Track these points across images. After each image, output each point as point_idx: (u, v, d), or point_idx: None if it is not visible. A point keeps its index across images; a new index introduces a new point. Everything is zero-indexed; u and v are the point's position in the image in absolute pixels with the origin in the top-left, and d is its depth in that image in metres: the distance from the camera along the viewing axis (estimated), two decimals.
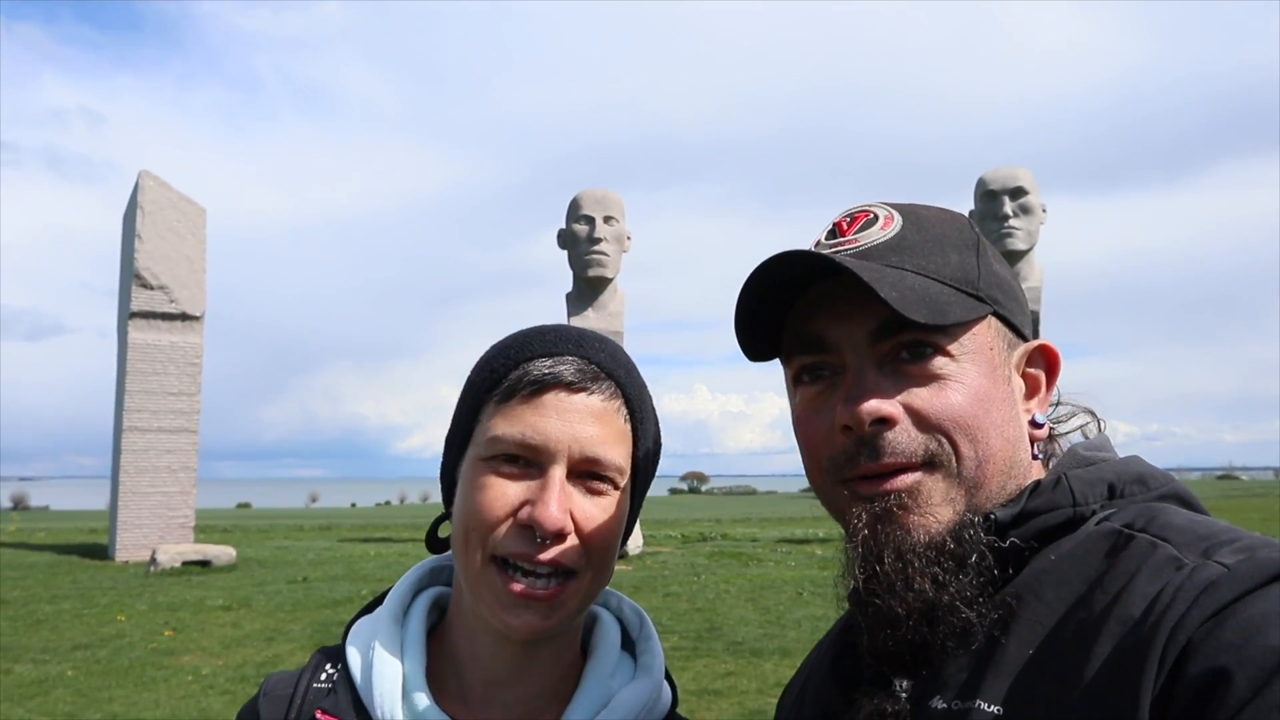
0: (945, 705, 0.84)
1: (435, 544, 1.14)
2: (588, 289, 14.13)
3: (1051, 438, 1.00)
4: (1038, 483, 0.92)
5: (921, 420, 0.89)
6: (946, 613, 0.85)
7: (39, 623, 9.75)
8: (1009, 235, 12.89)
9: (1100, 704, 0.74)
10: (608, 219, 13.88)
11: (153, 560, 13.55)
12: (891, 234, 0.94)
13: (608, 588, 1.16)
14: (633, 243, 14.40)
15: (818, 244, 0.99)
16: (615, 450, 1.01)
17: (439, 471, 1.11)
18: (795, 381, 0.98)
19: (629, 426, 1.04)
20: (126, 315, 15.63)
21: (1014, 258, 12.93)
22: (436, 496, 1.12)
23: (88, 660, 8.21)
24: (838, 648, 1.03)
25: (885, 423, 0.89)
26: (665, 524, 24.57)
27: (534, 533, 0.97)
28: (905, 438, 0.89)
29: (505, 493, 0.98)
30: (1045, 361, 1.00)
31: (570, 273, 14.33)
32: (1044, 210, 13.29)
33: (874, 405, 0.88)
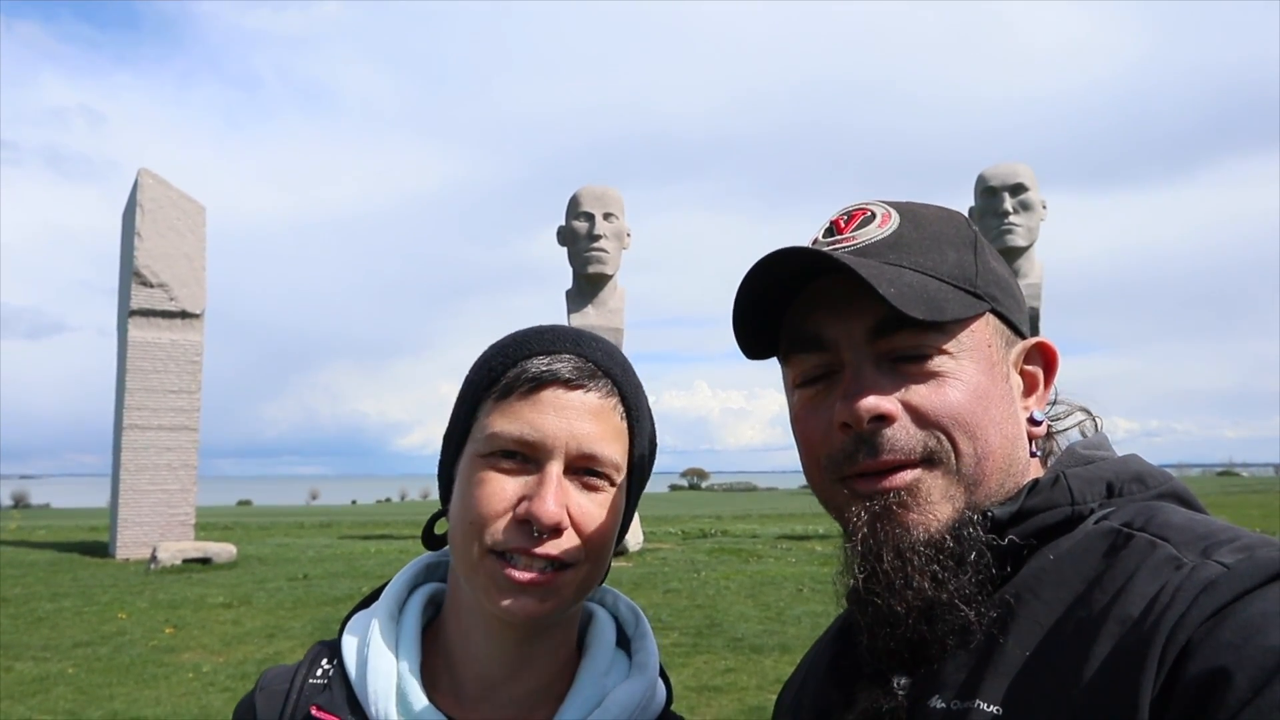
0: (944, 705, 0.84)
1: (431, 541, 1.14)
2: (587, 286, 14.12)
3: (1050, 435, 1.00)
4: (1036, 481, 0.91)
5: (920, 417, 0.89)
6: (945, 611, 0.85)
7: (40, 620, 9.76)
8: (1009, 232, 12.88)
9: (1100, 704, 0.74)
10: (607, 216, 13.87)
11: (153, 558, 13.56)
12: (889, 232, 0.94)
13: (605, 585, 1.17)
14: (632, 239, 14.39)
15: (815, 242, 0.98)
16: (612, 447, 1.02)
17: (437, 469, 1.11)
18: (793, 379, 0.98)
19: (625, 424, 1.05)
20: (126, 313, 15.63)
21: (1014, 254, 12.92)
22: (437, 494, 1.13)
23: (88, 658, 8.21)
24: (837, 645, 1.03)
25: (884, 420, 0.89)
26: (665, 520, 24.59)
27: (531, 527, 0.97)
28: (904, 435, 0.89)
29: (503, 488, 0.99)
30: (1043, 359, 1.00)
31: (570, 269, 14.32)
32: (1044, 207, 13.28)
33: (872, 402, 0.88)
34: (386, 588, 1.13)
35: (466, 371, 1.09)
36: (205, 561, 13.76)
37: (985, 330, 0.93)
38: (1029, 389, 0.98)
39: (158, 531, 15.23)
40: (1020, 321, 0.98)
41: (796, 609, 9.98)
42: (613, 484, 1.04)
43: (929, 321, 0.87)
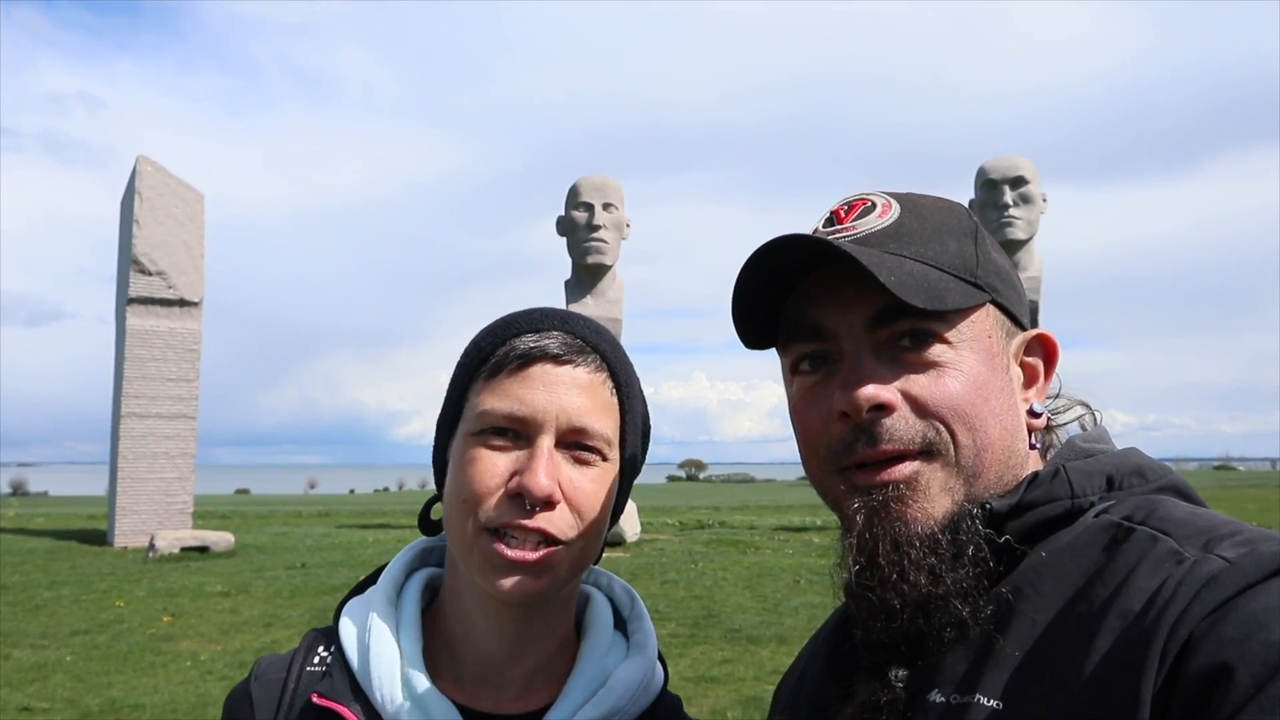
0: (944, 699, 0.83)
1: (428, 526, 1.15)
2: (587, 276, 14.11)
3: (1049, 428, 1.00)
4: (1035, 474, 0.91)
5: (920, 407, 0.88)
6: (942, 605, 0.85)
7: (38, 608, 9.78)
8: (1009, 224, 12.87)
9: (1101, 699, 0.74)
10: (607, 206, 13.86)
11: (151, 546, 13.58)
12: (889, 221, 0.94)
13: (598, 568, 1.16)
14: (632, 230, 14.38)
15: (815, 231, 0.98)
16: (602, 421, 1.02)
17: (431, 455, 1.11)
18: (792, 369, 0.97)
19: (615, 399, 1.05)
20: (125, 301, 15.61)
21: (1014, 247, 12.92)
22: (434, 484, 1.12)
23: (86, 646, 8.23)
24: (835, 638, 1.03)
25: (883, 409, 0.88)
26: (663, 511, 24.64)
27: (524, 501, 0.98)
28: (903, 425, 0.88)
29: (495, 464, 0.99)
30: (1043, 351, 0.99)
31: (569, 260, 14.31)
32: (1044, 200, 13.27)
33: (872, 391, 0.88)
34: (383, 573, 1.13)
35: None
36: (203, 550, 13.79)
37: (985, 321, 0.93)
38: (1029, 381, 0.98)
39: (156, 520, 15.25)
40: (1020, 313, 0.97)
41: (794, 600, 10.01)
42: (605, 459, 1.04)
43: (929, 311, 0.87)
